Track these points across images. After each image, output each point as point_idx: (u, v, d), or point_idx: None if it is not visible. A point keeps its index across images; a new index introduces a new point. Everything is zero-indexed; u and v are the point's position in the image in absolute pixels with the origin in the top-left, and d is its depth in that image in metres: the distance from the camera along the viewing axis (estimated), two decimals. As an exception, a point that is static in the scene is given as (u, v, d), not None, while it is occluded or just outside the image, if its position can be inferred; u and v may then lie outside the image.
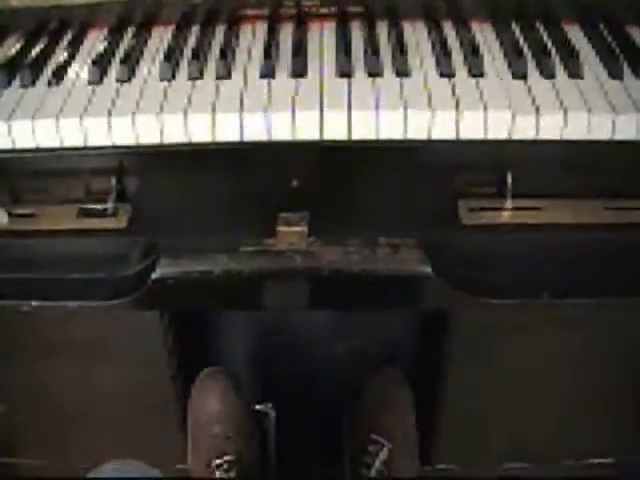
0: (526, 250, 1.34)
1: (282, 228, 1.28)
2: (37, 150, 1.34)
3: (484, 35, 1.50)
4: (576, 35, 1.51)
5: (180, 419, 1.75)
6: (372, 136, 1.30)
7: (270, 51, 1.42)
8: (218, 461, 1.67)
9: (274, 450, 1.79)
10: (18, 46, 1.51)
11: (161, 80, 1.39)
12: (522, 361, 1.62)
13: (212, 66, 1.41)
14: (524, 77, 1.38)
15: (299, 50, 1.42)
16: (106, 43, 1.50)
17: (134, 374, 1.64)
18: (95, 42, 1.53)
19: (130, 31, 1.54)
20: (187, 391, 1.75)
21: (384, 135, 1.30)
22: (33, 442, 1.83)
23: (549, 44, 1.46)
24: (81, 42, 1.53)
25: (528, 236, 1.33)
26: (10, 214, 1.38)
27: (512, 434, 1.78)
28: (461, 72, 1.39)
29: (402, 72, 1.38)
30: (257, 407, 1.78)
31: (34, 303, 1.36)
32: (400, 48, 1.42)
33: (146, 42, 1.51)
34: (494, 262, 1.33)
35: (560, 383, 1.66)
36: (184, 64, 1.43)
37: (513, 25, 1.52)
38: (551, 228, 1.33)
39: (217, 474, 1.64)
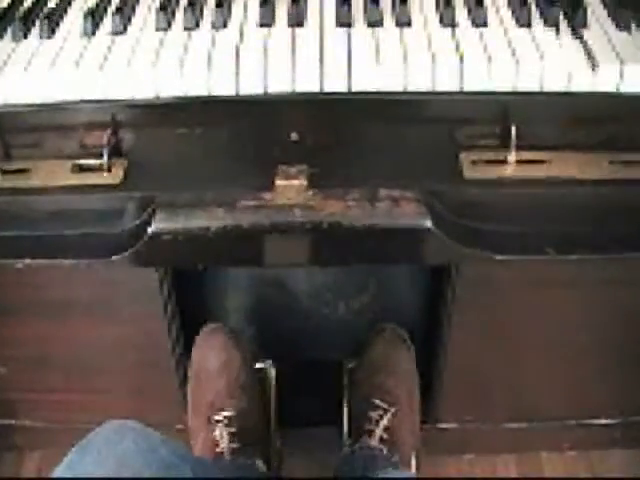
0: (529, 204, 1.31)
1: (280, 181, 1.25)
2: (29, 105, 1.31)
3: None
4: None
5: (180, 378, 1.74)
6: (372, 88, 1.27)
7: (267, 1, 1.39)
8: (218, 417, 1.65)
9: (275, 408, 1.78)
10: (7, 1, 1.48)
11: (156, 31, 1.36)
12: (524, 318, 1.61)
13: (208, 16, 1.39)
14: (528, 25, 1.35)
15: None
16: (98, -4, 1.47)
17: (133, 332, 1.63)
18: (87, -2, 1.50)
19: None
20: (187, 349, 1.74)
21: (384, 87, 1.27)
22: (32, 403, 1.82)
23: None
24: (73, -2, 1.50)
25: (531, 190, 1.30)
26: (3, 171, 1.35)
27: (514, 393, 1.77)
28: (464, 23, 1.36)
29: (403, 22, 1.35)
30: (257, 365, 1.77)
31: (28, 261, 1.34)
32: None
33: (140, -7, 1.48)
34: (496, 216, 1.30)
35: (561, 340, 1.65)
36: (180, 14, 1.39)
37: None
38: (554, 182, 1.30)
39: (217, 431, 1.63)
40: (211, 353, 1.72)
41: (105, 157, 1.31)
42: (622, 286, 1.54)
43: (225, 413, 1.65)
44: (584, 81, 1.28)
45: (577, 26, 1.35)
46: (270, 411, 1.77)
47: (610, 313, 1.61)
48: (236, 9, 1.41)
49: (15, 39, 1.38)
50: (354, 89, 1.27)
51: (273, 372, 1.77)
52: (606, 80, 1.28)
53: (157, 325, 1.60)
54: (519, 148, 1.30)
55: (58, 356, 1.71)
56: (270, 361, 1.76)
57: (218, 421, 1.65)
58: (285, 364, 1.78)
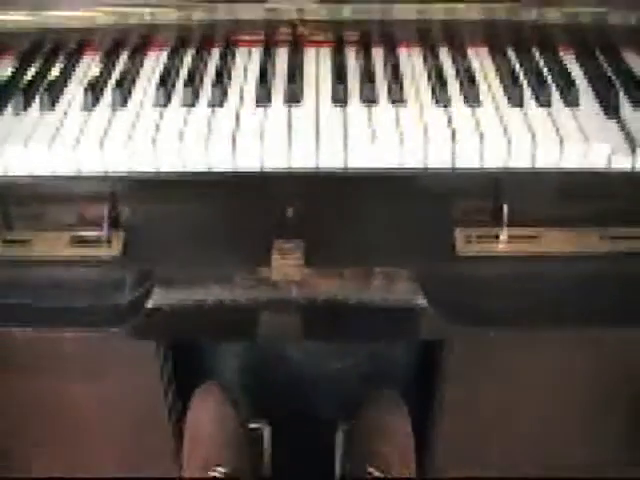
0: (522, 280, 1.34)
1: (277, 257, 1.28)
2: (30, 177, 1.33)
3: (480, 61, 1.50)
4: (572, 62, 1.51)
5: (176, 435, 1.75)
6: (367, 165, 1.29)
7: (265, 77, 1.42)
8: (212, 474, 1.66)
9: (269, 467, 1.79)
10: (11, 70, 1.51)
11: (155, 106, 1.39)
12: (518, 383, 1.62)
13: (207, 92, 1.41)
14: (521, 105, 1.38)
15: (294, 76, 1.41)
16: (100, 67, 1.49)
17: (129, 394, 1.64)
18: (89, 66, 1.52)
19: (124, 54, 1.54)
20: (184, 407, 1.75)
21: (379, 164, 1.29)
22: (30, 457, 1.83)
23: (545, 71, 1.46)
24: (75, 66, 1.52)
25: (524, 266, 1.33)
26: (4, 240, 1.37)
27: (510, 448, 1.78)
28: (457, 100, 1.39)
29: (397, 100, 1.38)
30: (252, 424, 1.79)
31: (28, 330, 1.36)
32: (395, 76, 1.41)
33: (140, 66, 1.50)
34: (490, 292, 1.32)
35: (551, 405, 1.67)
36: (179, 89, 1.42)
37: (509, 50, 1.52)
38: (546, 258, 1.33)
39: None
40: (206, 412, 1.73)
41: (104, 230, 1.34)
42: (616, 356, 1.56)
43: (220, 469, 1.66)
44: (575, 158, 1.31)
45: (569, 105, 1.38)
46: (263, 470, 1.78)
47: (604, 380, 1.62)
48: (234, 85, 1.44)
49: (16, 111, 1.40)
50: (349, 166, 1.30)
51: (267, 431, 1.78)
52: (596, 157, 1.31)
53: (154, 389, 1.61)
54: (511, 224, 1.33)
55: (57, 413, 1.71)
56: (265, 421, 1.77)
57: (213, 478, 1.66)
58: (280, 424, 1.79)
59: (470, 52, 1.51)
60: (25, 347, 1.52)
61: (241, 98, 1.40)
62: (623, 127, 1.34)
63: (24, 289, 1.37)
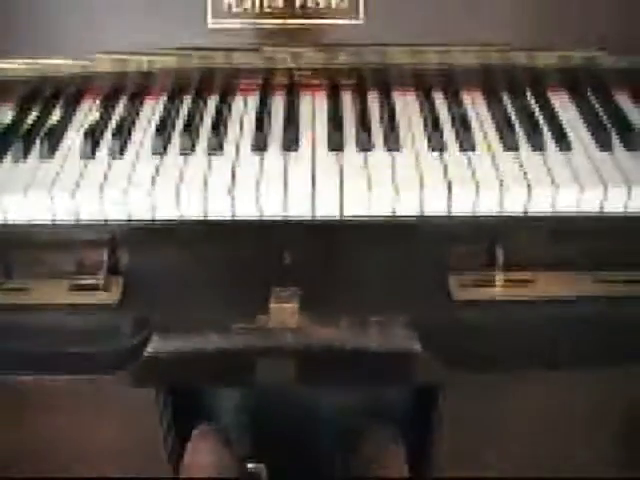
0: (517, 324, 1.35)
1: (274, 305, 1.29)
2: (29, 224, 1.35)
3: (475, 106, 1.52)
4: (565, 104, 1.53)
5: (176, 478, 1.75)
6: (363, 212, 1.31)
7: (262, 124, 1.43)
8: None
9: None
10: (10, 117, 1.52)
11: (153, 154, 1.40)
12: (514, 424, 1.63)
13: (204, 139, 1.43)
14: (515, 149, 1.40)
15: (291, 123, 1.43)
16: (98, 114, 1.51)
17: (127, 438, 1.64)
18: (87, 113, 1.54)
19: (122, 101, 1.55)
20: (181, 450, 1.75)
21: (375, 212, 1.31)
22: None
23: (539, 116, 1.48)
24: (73, 112, 1.54)
25: (518, 310, 1.34)
26: (2, 287, 1.38)
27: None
28: (452, 146, 1.40)
29: (393, 147, 1.39)
30: (249, 466, 1.79)
31: (26, 376, 1.37)
32: (391, 122, 1.43)
33: (138, 113, 1.52)
34: (485, 336, 1.33)
35: (549, 445, 1.67)
36: (176, 137, 1.43)
37: (503, 95, 1.54)
38: (541, 301, 1.34)
39: None
40: (203, 454, 1.73)
41: (103, 277, 1.35)
42: (611, 398, 1.56)
43: None
44: (569, 202, 1.32)
45: (562, 149, 1.40)
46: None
47: (601, 420, 1.63)
48: (231, 132, 1.45)
49: (16, 159, 1.42)
50: (345, 214, 1.31)
51: (265, 474, 1.78)
52: (589, 201, 1.32)
53: (153, 434, 1.61)
54: (506, 268, 1.34)
55: (52, 457, 1.71)
56: (262, 464, 1.78)
57: None
58: (277, 465, 1.79)
59: (465, 96, 1.53)
60: (22, 392, 1.52)
61: (238, 145, 1.42)
62: (616, 170, 1.36)
63: (23, 335, 1.38)
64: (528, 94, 1.54)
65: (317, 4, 1.48)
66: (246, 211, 1.31)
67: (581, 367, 1.38)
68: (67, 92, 1.57)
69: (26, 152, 1.43)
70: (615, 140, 1.42)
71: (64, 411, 1.58)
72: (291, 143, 1.40)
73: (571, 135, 1.42)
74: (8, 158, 1.42)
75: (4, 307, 1.37)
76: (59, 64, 1.53)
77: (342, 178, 1.32)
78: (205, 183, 1.32)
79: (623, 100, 1.54)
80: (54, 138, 1.45)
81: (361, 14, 1.48)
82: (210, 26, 1.48)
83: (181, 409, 1.72)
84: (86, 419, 1.61)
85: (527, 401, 1.57)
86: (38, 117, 1.52)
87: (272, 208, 1.31)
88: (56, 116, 1.52)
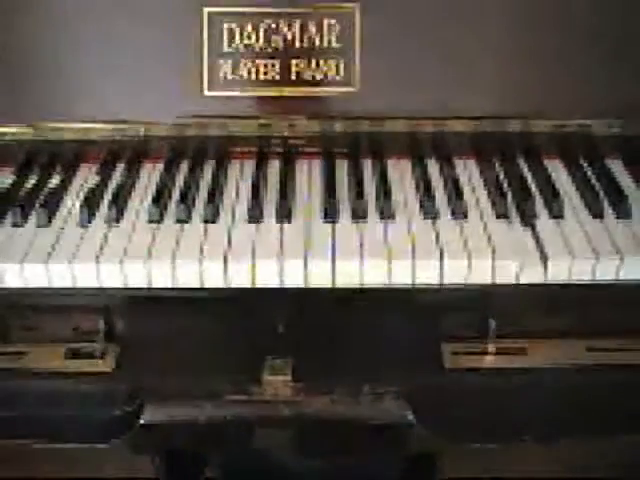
0: (509, 392, 1.35)
1: (267, 376, 1.29)
2: (26, 290, 1.35)
3: (468, 173, 1.53)
4: (558, 171, 1.55)
5: None
6: (356, 283, 1.32)
7: (257, 193, 1.45)
8: None
9: None
10: (9, 181, 1.54)
11: (149, 222, 1.42)
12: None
13: (200, 208, 1.44)
14: (506, 218, 1.41)
15: (285, 193, 1.45)
16: (96, 181, 1.53)
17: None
18: (85, 179, 1.56)
19: (120, 167, 1.57)
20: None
21: (368, 282, 1.32)
22: None
23: (532, 183, 1.50)
24: (71, 178, 1.56)
25: (511, 378, 1.35)
26: (-1, 352, 1.39)
27: None
28: (445, 214, 1.42)
29: (386, 215, 1.41)
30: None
31: (19, 442, 1.37)
32: (384, 190, 1.45)
33: (135, 179, 1.54)
34: (478, 405, 1.34)
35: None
36: (172, 205, 1.45)
37: (497, 162, 1.56)
38: (534, 370, 1.35)
39: None
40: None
41: (98, 344, 1.36)
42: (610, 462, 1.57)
43: None
44: (560, 273, 1.33)
45: (554, 217, 1.41)
46: None
47: None
48: (226, 201, 1.47)
49: (14, 225, 1.43)
50: (338, 284, 1.32)
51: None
52: (581, 271, 1.33)
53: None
54: (499, 337, 1.35)
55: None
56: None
57: None
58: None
59: (458, 163, 1.55)
60: (15, 456, 1.53)
61: (233, 214, 1.44)
62: (608, 239, 1.37)
63: (17, 400, 1.38)
64: (522, 161, 1.56)
65: (313, 74, 1.50)
66: (240, 281, 1.32)
67: (576, 436, 1.38)
68: (65, 157, 1.59)
69: (24, 218, 1.44)
70: (607, 208, 1.44)
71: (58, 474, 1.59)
72: (286, 213, 1.42)
73: (564, 203, 1.44)
74: (6, 223, 1.44)
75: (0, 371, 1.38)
76: (58, 130, 1.55)
77: (335, 248, 1.33)
78: (200, 253, 1.33)
79: (615, 166, 1.56)
80: (52, 205, 1.47)
81: (356, 84, 1.50)
82: (206, 95, 1.50)
83: (177, 471, 1.72)
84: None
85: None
86: (37, 182, 1.54)
87: (266, 278, 1.32)
88: (54, 181, 1.55)
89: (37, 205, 1.47)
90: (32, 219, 1.45)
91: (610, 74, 1.53)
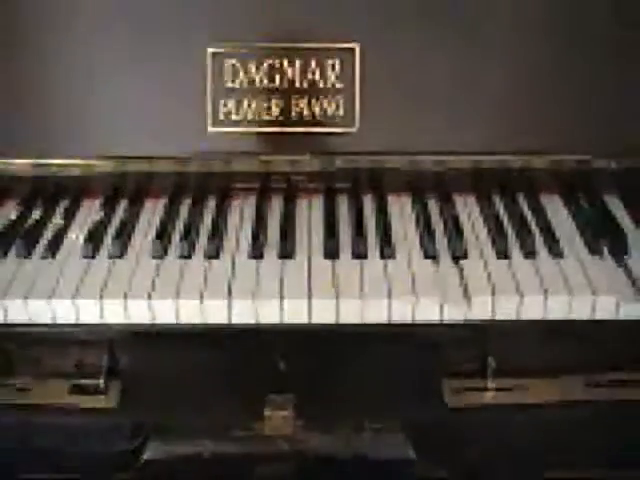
0: (510, 429, 1.37)
1: (269, 412, 1.31)
2: (31, 325, 1.36)
3: (468, 210, 1.55)
4: (557, 207, 1.57)
5: None
6: (357, 321, 1.33)
7: (259, 231, 1.47)
8: None
9: None
10: (14, 215, 1.56)
11: (152, 258, 1.43)
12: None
13: (202, 244, 1.46)
14: (506, 257, 1.43)
15: (287, 230, 1.47)
16: (99, 216, 1.55)
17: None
18: (89, 213, 1.58)
19: (123, 202, 1.59)
20: None
21: (369, 320, 1.33)
22: None
23: (531, 220, 1.52)
24: (75, 213, 1.58)
25: (512, 415, 1.36)
26: (3, 386, 1.40)
27: None
28: (445, 253, 1.44)
29: (386, 254, 1.42)
30: None
31: (22, 476, 1.39)
32: (385, 228, 1.47)
33: (139, 214, 1.56)
34: (479, 441, 1.35)
35: None
36: (175, 241, 1.47)
37: (496, 198, 1.58)
38: (534, 406, 1.36)
39: None
40: None
41: (102, 381, 1.37)
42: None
43: None
44: (559, 310, 1.34)
45: (554, 255, 1.43)
46: None
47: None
48: (229, 237, 1.49)
49: (19, 258, 1.45)
50: (340, 322, 1.33)
51: None
52: (580, 308, 1.34)
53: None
54: (499, 374, 1.36)
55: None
56: None
57: None
58: None
59: (458, 200, 1.57)
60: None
61: (235, 251, 1.45)
62: (606, 276, 1.38)
63: (21, 435, 1.40)
64: (521, 198, 1.58)
65: (313, 113, 1.52)
66: (243, 318, 1.33)
67: (576, 471, 1.39)
68: (70, 192, 1.61)
69: (28, 252, 1.46)
70: (605, 245, 1.46)
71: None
72: (287, 250, 1.43)
73: (562, 240, 1.46)
74: (11, 257, 1.46)
75: (4, 406, 1.39)
76: (63, 165, 1.57)
77: (337, 287, 1.34)
78: (203, 291, 1.34)
79: (613, 202, 1.58)
80: (56, 239, 1.49)
81: (356, 122, 1.52)
82: (209, 132, 1.52)
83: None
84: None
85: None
86: (41, 216, 1.56)
87: (268, 316, 1.33)
88: (59, 216, 1.56)
89: (41, 239, 1.49)
90: (36, 253, 1.46)
91: (607, 111, 1.55)
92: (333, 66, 1.52)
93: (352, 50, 1.51)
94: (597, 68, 1.53)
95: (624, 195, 1.60)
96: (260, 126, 1.53)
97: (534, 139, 1.54)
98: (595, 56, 1.53)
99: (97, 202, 1.60)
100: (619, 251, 1.45)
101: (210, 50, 1.52)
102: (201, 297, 1.33)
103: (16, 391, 1.40)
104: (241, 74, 1.51)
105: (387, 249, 1.43)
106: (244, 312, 1.33)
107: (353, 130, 1.52)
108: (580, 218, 1.52)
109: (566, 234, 1.49)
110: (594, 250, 1.45)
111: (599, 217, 1.53)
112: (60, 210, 1.58)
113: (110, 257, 1.44)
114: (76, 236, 1.51)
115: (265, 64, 1.52)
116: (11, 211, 1.58)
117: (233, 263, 1.41)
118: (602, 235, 1.47)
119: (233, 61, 1.51)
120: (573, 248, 1.46)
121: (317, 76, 1.52)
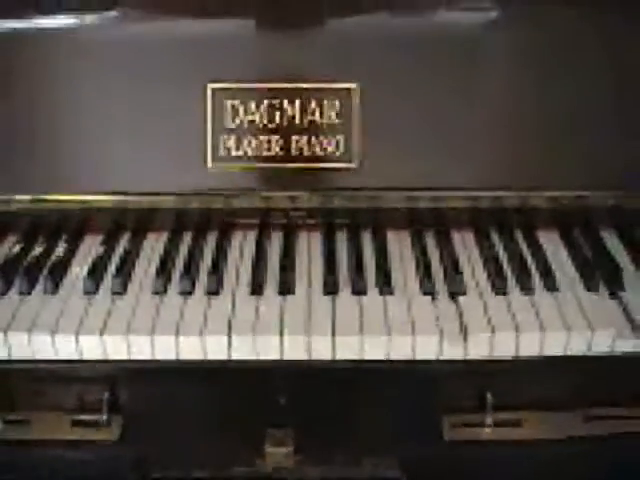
0: (508, 464, 1.38)
1: (270, 447, 1.32)
2: (33, 360, 1.37)
3: (466, 247, 1.57)
4: (554, 243, 1.59)
5: None
6: (356, 357, 1.34)
7: (259, 266, 1.48)
8: None
9: None
10: (16, 250, 1.58)
11: (153, 294, 1.45)
12: None
13: (203, 280, 1.47)
14: (504, 293, 1.44)
15: (286, 266, 1.48)
16: (101, 251, 1.56)
17: None
18: (90, 249, 1.59)
19: (124, 238, 1.61)
20: None
21: (368, 356, 1.34)
22: None
23: (528, 256, 1.53)
24: (76, 249, 1.59)
25: (510, 450, 1.37)
26: (5, 420, 1.41)
27: None
28: (443, 290, 1.45)
29: (386, 291, 1.44)
30: None
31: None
32: (384, 264, 1.49)
33: (139, 251, 1.57)
34: (477, 478, 1.36)
35: None
36: (176, 277, 1.48)
37: (494, 235, 1.59)
38: (532, 442, 1.38)
39: None
40: None
41: (104, 415, 1.38)
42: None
43: None
44: (556, 346, 1.36)
45: (551, 290, 1.44)
46: None
47: None
48: (229, 273, 1.50)
49: (21, 294, 1.46)
50: (338, 357, 1.34)
51: None
52: (576, 344, 1.36)
53: None
54: (497, 409, 1.38)
55: None
56: None
57: None
58: None
59: (456, 236, 1.59)
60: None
61: (236, 287, 1.47)
62: (603, 311, 1.39)
63: (23, 469, 1.41)
64: (518, 234, 1.60)
65: (313, 150, 1.54)
66: (242, 354, 1.34)
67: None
68: (70, 228, 1.62)
69: (30, 287, 1.48)
70: (601, 281, 1.47)
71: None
72: (287, 286, 1.45)
73: (559, 276, 1.47)
74: (13, 292, 1.47)
75: (6, 441, 1.40)
76: (64, 200, 1.58)
77: (336, 323, 1.36)
78: (203, 327, 1.35)
79: (609, 237, 1.60)
80: (58, 274, 1.50)
81: (355, 160, 1.54)
82: (209, 169, 1.54)
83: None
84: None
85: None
86: (43, 251, 1.57)
87: (268, 352, 1.34)
88: (60, 251, 1.58)
89: (43, 274, 1.50)
90: (38, 289, 1.48)
91: (603, 147, 1.57)
92: (332, 105, 1.54)
93: (351, 89, 1.53)
94: (592, 104, 1.56)
95: (621, 230, 1.61)
96: (260, 163, 1.54)
97: (531, 175, 1.56)
98: (590, 92, 1.55)
99: (99, 237, 1.61)
100: (615, 286, 1.46)
101: (210, 86, 1.54)
102: (201, 333, 1.34)
103: (18, 425, 1.41)
104: (241, 113, 1.53)
105: (386, 286, 1.44)
106: (244, 348, 1.34)
107: (352, 167, 1.54)
108: (577, 254, 1.54)
109: (563, 269, 1.51)
110: (590, 286, 1.46)
111: (595, 253, 1.55)
112: (61, 246, 1.59)
113: (112, 293, 1.46)
114: (78, 272, 1.52)
115: (265, 103, 1.54)
116: (13, 247, 1.59)
117: (233, 299, 1.42)
118: (598, 271, 1.49)
119: (233, 98, 1.54)
120: (569, 283, 1.47)
121: (317, 115, 1.54)
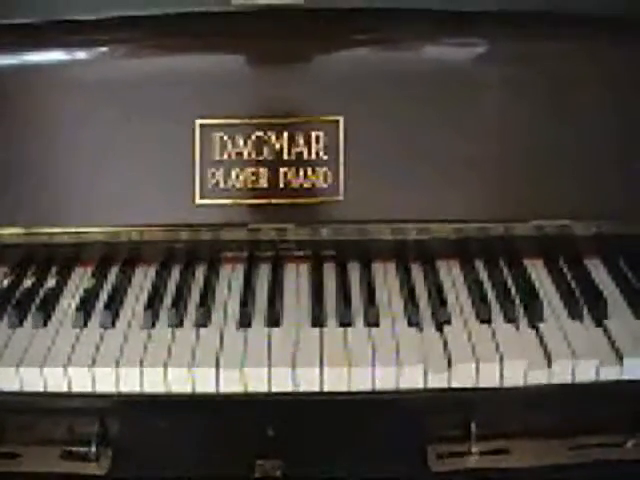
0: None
1: (258, 477, 1.33)
2: (22, 393, 1.39)
3: (452, 276, 1.59)
4: (539, 272, 1.61)
5: None
6: (343, 388, 1.36)
7: (246, 299, 1.50)
8: None
9: None
10: (6, 283, 1.59)
11: (142, 328, 1.46)
12: None
13: (191, 313, 1.49)
14: (489, 323, 1.46)
15: (274, 298, 1.50)
16: (90, 283, 1.58)
17: None
18: (80, 281, 1.61)
19: (114, 270, 1.63)
20: None
21: (355, 387, 1.36)
22: None
23: (512, 286, 1.55)
24: (66, 281, 1.61)
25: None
26: (-7, 454, 1.42)
27: None
28: (429, 320, 1.48)
29: (372, 322, 1.46)
30: None
31: None
32: (370, 296, 1.50)
33: (129, 284, 1.59)
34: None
35: None
36: (165, 310, 1.50)
37: (479, 265, 1.62)
38: (518, 471, 1.39)
39: None
40: None
41: (93, 448, 1.39)
42: None
43: None
44: (540, 375, 1.37)
45: (534, 320, 1.46)
46: None
47: None
48: (217, 306, 1.52)
49: (10, 327, 1.48)
50: (326, 389, 1.36)
51: None
52: (561, 373, 1.37)
53: None
54: (482, 439, 1.38)
55: None
56: None
57: None
58: None
59: (442, 267, 1.61)
60: None
61: (224, 319, 1.49)
62: (586, 340, 1.41)
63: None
64: (503, 263, 1.62)
65: (300, 183, 1.56)
66: (231, 387, 1.36)
67: None
68: (60, 260, 1.64)
69: (20, 321, 1.49)
70: (585, 309, 1.49)
71: None
72: (274, 319, 1.47)
73: (544, 305, 1.49)
74: (3, 325, 1.49)
75: (-5, 475, 1.41)
76: (53, 234, 1.59)
77: (323, 355, 1.37)
78: (191, 360, 1.37)
79: (593, 265, 1.62)
80: (47, 307, 1.52)
81: (341, 192, 1.56)
82: (198, 203, 1.55)
83: None
84: None
85: None
86: (33, 284, 1.59)
87: (256, 384, 1.36)
88: (50, 283, 1.59)
89: (33, 308, 1.51)
90: (28, 320, 1.49)
91: (586, 177, 1.59)
92: (318, 138, 1.56)
93: (336, 122, 1.55)
94: (575, 136, 1.58)
95: (605, 258, 1.64)
96: (248, 196, 1.56)
97: (515, 205, 1.57)
98: (573, 124, 1.57)
99: (88, 270, 1.63)
100: (599, 315, 1.48)
101: (199, 122, 1.56)
102: (189, 366, 1.36)
103: (6, 458, 1.42)
104: (229, 146, 1.55)
105: (372, 317, 1.46)
106: (232, 381, 1.36)
107: (338, 199, 1.55)
108: (561, 283, 1.56)
109: (547, 297, 1.53)
110: (574, 314, 1.48)
111: (579, 281, 1.57)
112: (51, 278, 1.61)
113: (101, 326, 1.47)
114: (67, 304, 1.54)
115: (253, 136, 1.56)
116: (2, 279, 1.61)
117: (221, 331, 1.44)
118: (582, 299, 1.51)
119: (221, 134, 1.56)
120: (554, 312, 1.49)
121: (303, 148, 1.56)
